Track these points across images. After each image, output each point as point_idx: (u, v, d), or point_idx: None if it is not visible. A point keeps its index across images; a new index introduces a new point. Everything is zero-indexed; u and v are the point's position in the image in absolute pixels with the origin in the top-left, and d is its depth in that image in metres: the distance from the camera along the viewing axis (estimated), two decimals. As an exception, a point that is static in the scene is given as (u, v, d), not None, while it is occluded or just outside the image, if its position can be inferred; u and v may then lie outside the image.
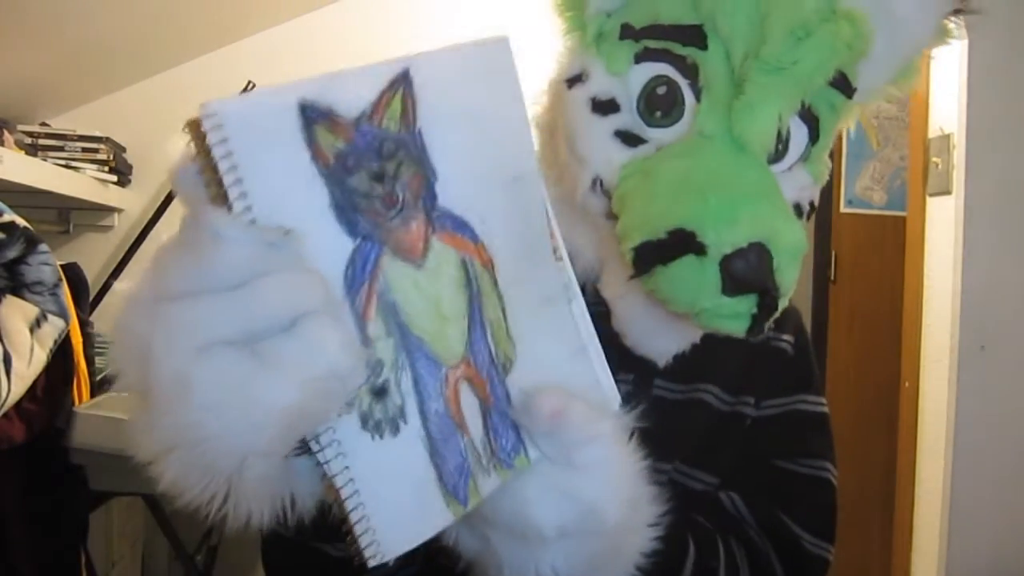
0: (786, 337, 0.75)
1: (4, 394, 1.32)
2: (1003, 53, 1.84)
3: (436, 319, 0.44)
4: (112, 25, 2.06)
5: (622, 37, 0.62)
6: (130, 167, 2.43)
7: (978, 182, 1.84)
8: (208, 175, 0.37)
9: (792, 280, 0.56)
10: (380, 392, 0.41)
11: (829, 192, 2.71)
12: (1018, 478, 1.84)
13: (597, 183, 0.62)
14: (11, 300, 1.40)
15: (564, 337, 0.53)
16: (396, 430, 0.42)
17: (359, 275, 0.40)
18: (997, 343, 1.84)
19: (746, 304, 0.54)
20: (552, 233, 0.52)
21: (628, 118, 0.61)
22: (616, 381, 0.70)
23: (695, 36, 0.59)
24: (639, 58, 0.61)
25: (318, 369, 0.36)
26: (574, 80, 0.63)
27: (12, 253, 1.43)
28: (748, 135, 0.56)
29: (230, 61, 2.47)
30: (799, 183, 0.62)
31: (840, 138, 2.67)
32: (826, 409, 0.74)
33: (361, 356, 0.39)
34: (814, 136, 0.61)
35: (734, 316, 0.55)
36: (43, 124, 2.29)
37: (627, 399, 0.68)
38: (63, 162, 2.12)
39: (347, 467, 0.40)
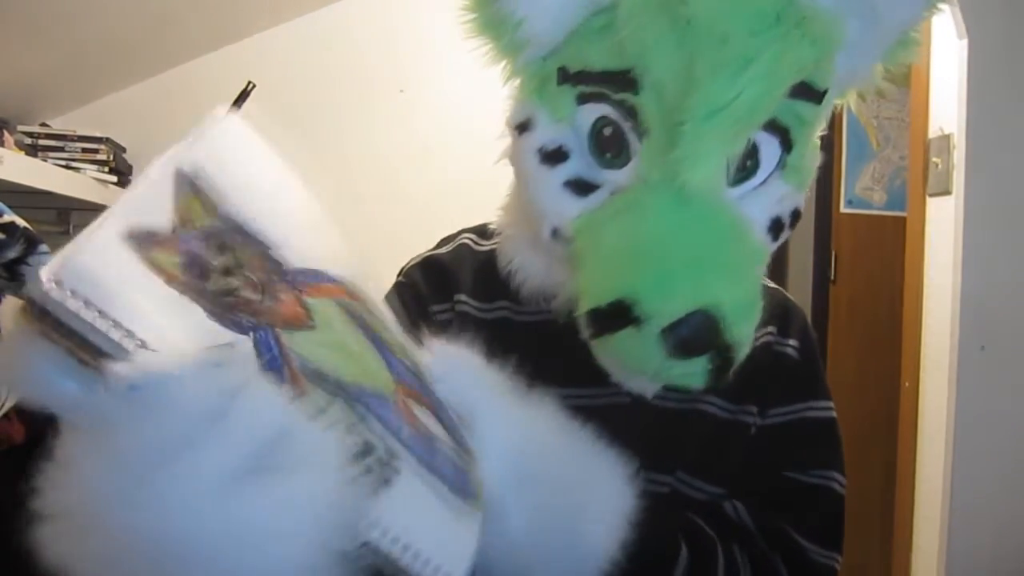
0: (791, 342, 0.74)
1: (4, 394, 1.32)
2: (1003, 53, 1.84)
3: (354, 362, 0.45)
4: (112, 25, 2.06)
5: (560, 82, 0.61)
6: (130, 167, 2.43)
7: (978, 182, 1.84)
8: (73, 348, 0.35)
9: (747, 333, 0.55)
10: (365, 451, 0.42)
11: (829, 192, 2.70)
12: (1018, 478, 1.83)
13: (556, 232, 0.62)
14: (11, 300, 1.40)
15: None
16: (397, 471, 0.43)
17: (274, 361, 0.41)
18: (997, 343, 1.84)
19: (699, 364, 0.54)
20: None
21: (579, 164, 0.60)
22: (615, 391, 0.70)
23: (625, 82, 0.57)
24: (581, 100, 0.60)
25: (333, 459, 0.38)
26: (522, 127, 0.63)
27: (12, 253, 1.43)
28: (692, 184, 0.55)
29: (230, 61, 2.47)
30: (776, 195, 0.61)
31: (840, 138, 2.68)
32: (833, 413, 0.74)
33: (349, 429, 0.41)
34: (787, 146, 0.60)
35: (688, 376, 0.55)
36: (43, 124, 2.29)
37: (626, 408, 0.68)
38: (63, 162, 2.12)
39: (384, 527, 0.41)
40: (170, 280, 0.39)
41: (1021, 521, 1.84)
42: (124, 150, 2.38)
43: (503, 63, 0.63)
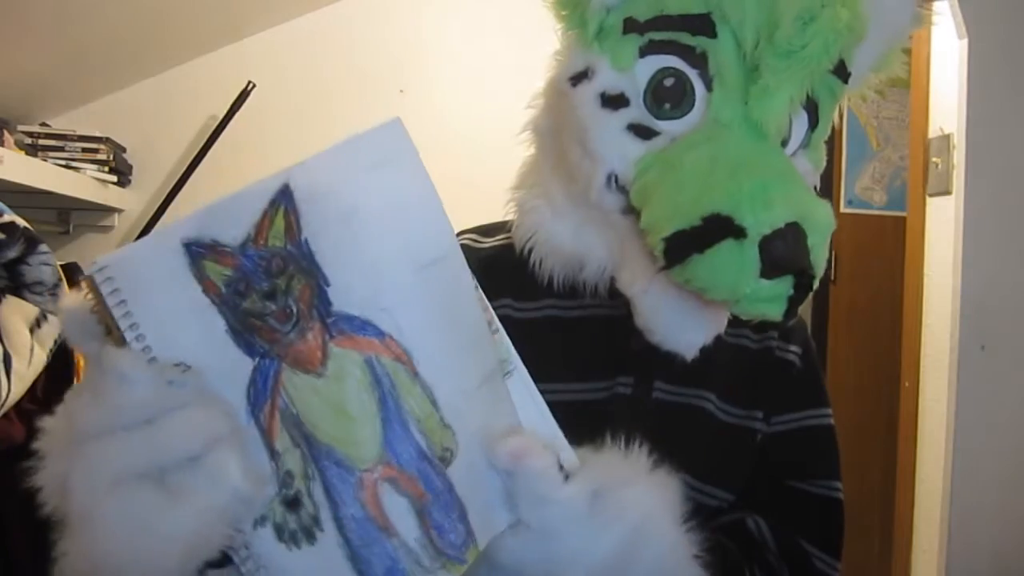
0: (794, 348, 0.74)
1: (4, 394, 1.32)
2: (1003, 53, 1.84)
3: (343, 424, 0.44)
4: (112, 25, 2.06)
5: (625, 31, 0.61)
6: (130, 167, 2.43)
7: (978, 182, 1.84)
8: (107, 322, 0.40)
9: (823, 259, 0.56)
10: (293, 503, 0.43)
11: (829, 192, 2.70)
12: (1018, 478, 1.83)
13: (612, 179, 0.61)
14: (11, 300, 1.40)
15: (502, 414, 0.51)
16: (312, 539, 0.43)
17: (261, 393, 0.42)
18: (997, 343, 1.84)
19: (783, 286, 0.54)
20: (485, 307, 0.51)
21: (639, 112, 0.61)
22: (616, 384, 0.69)
23: (704, 25, 0.59)
24: (644, 52, 0.60)
25: (221, 497, 0.40)
26: (578, 78, 0.63)
27: (12, 253, 1.43)
28: (765, 120, 0.57)
29: (230, 61, 2.47)
30: (801, 169, 0.62)
31: (840, 138, 2.67)
32: (832, 420, 0.74)
33: (264, 479, 0.42)
34: (814, 122, 0.62)
35: (772, 299, 0.55)
36: (43, 124, 2.29)
37: (627, 402, 0.68)
38: (63, 162, 2.12)
39: (255, 560, 0.42)
40: (207, 290, 0.41)
41: (1021, 521, 1.84)
42: (124, 150, 2.38)
43: (564, 12, 0.64)
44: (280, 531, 0.43)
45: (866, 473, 2.41)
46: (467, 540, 0.47)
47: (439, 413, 0.47)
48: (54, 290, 1.48)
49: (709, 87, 0.59)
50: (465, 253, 0.75)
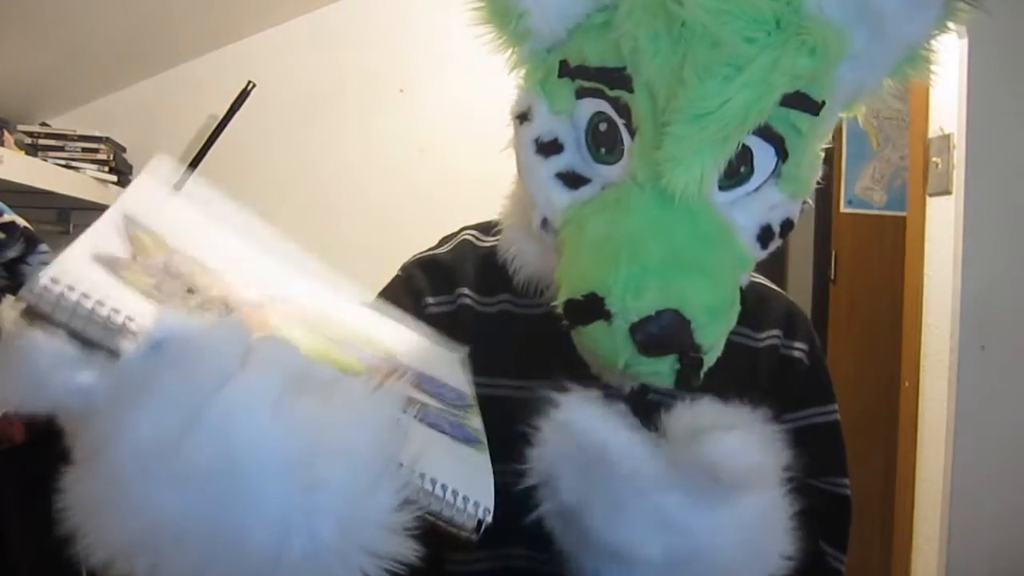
0: (799, 345, 0.74)
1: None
2: (1003, 53, 1.84)
3: (324, 356, 0.49)
4: (112, 25, 2.06)
5: (561, 75, 0.61)
6: (130, 167, 2.43)
7: (978, 182, 1.84)
8: (73, 336, 0.38)
9: (718, 335, 0.56)
10: None
11: (829, 192, 2.70)
12: (1018, 478, 1.83)
13: (546, 222, 0.63)
14: (11, 300, 1.39)
15: (385, 318, 0.61)
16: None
17: None
18: (997, 343, 1.84)
19: (665, 363, 0.54)
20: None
21: (573, 157, 0.61)
22: (611, 385, 0.69)
23: (620, 79, 0.58)
24: (580, 94, 0.60)
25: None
26: (522, 117, 0.64)
27: (12, 253, 1.43)
28: (674, 187, 0.55)
29: (230, 61, 2.47)
30: (768, 203, 0.61)
31: (840, 138, 2.67)
32: (838, 416, 0.75)
33: None
34: (782, 154, 0.59)
35: (654, 374, 0.56)
36: (43, 124, 2.29)
37: (624, 403, 0.68)
38: (63, 162, 2.12)
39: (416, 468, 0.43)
40: (147, 296, 0.42)
41: (1021, 520, 1.84)
42: (124, 150, 2.38)
43: (508, 52, 0.64)
44: None
45: (866, 473, 2.41)
46: (459, 393, 0.56)
47: (359, 332, 0.55)
48: (54, 290, 1.47)
49: (633, 138, 0.58)
50: (466, 250, 0.76)
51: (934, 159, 1.94)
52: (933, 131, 1.97)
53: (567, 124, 0.61)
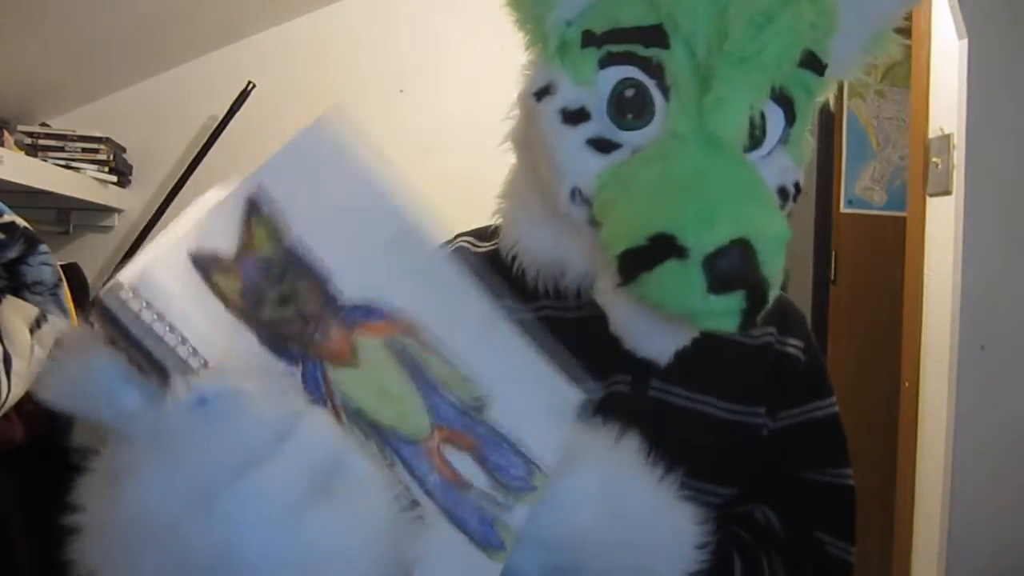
0: (795, 342, 0.75)
1: (4, 394, 1.32)
2: (1003, 53, 1.84)
3: (392, 405, 0.46)
4: (112, 25, 2.06)
5: (584, 45, 0.62)
6: (130, 167, 2.43)
7: (978, 182, 1.84)
8: (136, 355, 0.36)
9: (778, 270, 0.56)
10: (398, 494, 0.43)
11: (829, 192, 2.70)
12: (1018, 478, 1.83)
13: (576, 193, 0.62)
14: (11, 300, 1.39)
15: (510, 352, 0.54)
16: (420, 519, 0.44)
17: (318, 396, 0.42)
18: (997, 343, 1.84)
19: (735, 301, 0.54)
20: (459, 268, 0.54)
21: (600, 125, 0.61)
22: (612, 383, 0.70)
23: (656, 36, 0.59)
24: (604, 63, 0.61)
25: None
26: (542, 93, 0.64)
27: (12, 253, 1.43)
28: (721, 131, 0.56)
29: (230, 61, 2.47)
30: (780, 166, 0.63)
31: (840, 138, 2.67)
32: (836, 407, 0.75)
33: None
34: (790, 118, 0.61)
35: (724, 314, 0.55)
36: (43, 124, 2.29)
37: (624, 400, 0.68)
38: (63, 162, 2.12)
39: (421, 568, 0.42)
40: (229, 305, 0.40)
41: (1021, 520, 1.84)
42: (124, 150, 2.38)
43: (528, 26, 0.64)
44: None
45: (866, 473, 2.39)
46: (529, 469, 0.50)
47: (456, 368, 0.49)
48: (54, 290, 1.48)
49: (667, 97, 0.59)
50: (463, 256, 0.76)
51: (934, 159, 1.94)
52: (933, 131, 1.97)
53: (591, 94, 0.62)
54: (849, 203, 2.76)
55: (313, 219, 0.45)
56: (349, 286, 0.46)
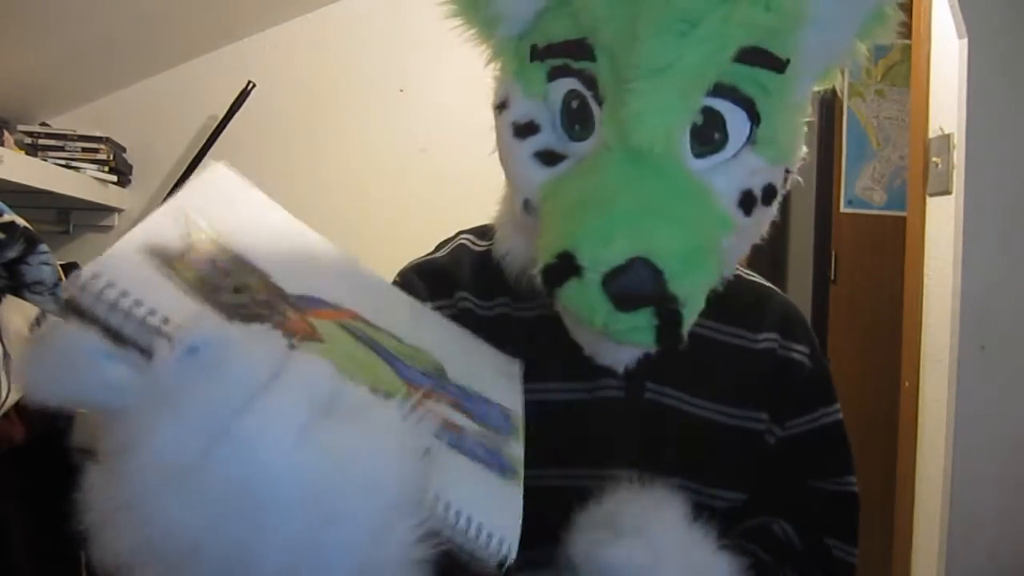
0: (799, 347, 0.74)
1: (4, 394, 1.32)
2: (1003, 53, 1.83)
3: (366, 371, 0.47)
4: (112, 25, 2.06)
5: (532, 59, 0.62)
6: (130, 167, 2.43)
7: (978, 182, 1.84)
8: (108, 334, 0.37)
9: (694, 286, 0.55)
10: None
11: (829, 192, 2.70)
12: (1018, 478, 1.83)
13: (527, 204, 0.63)
14: (11, 300, 1.40)
15: (445, 331, 0.60)
16: (430, 451, 0.44)
17: None
18: (997, 343, 1.84)
19: (643, 318, 0.54)
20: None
21: (551, 137, 0.62)
22: (599, 386, 0.70)
23: (582, 50, 0.59)
24: (551, 76, 0.61)
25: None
26: (501, 107, 0.65)
27: (12, 253, 1.43)
28: (641, 144, 0.55)
29: (230, 61, 2.47)
30: (748, 168, 0.60)
31: (840, 138, 2.67)
32: (841, 415, 0.75)
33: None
34: (754, 118, 0.59)
35: (635, 330, 0.54)
36: (43, 124, 2.29)
37: (620, 403, 0.68)
38: (63, 162, 2.12)
39: (441, 499, 0.43)
40: (190, 290, 0.41)
41: (1021, 521, 1.84)
42: (124, 150, 2.38)
43: (483, 45, 0.65)
44: None
45: (866, 473, 2.39)
46: (505, 414, 0.53)
47: (408, 344, 0.53)
48: (54, 290, 1.48)
49: (601, 107, 0.59)
50: (463, 254, 0.76)
51: (934, 159, 1.94)
52: (933, 131, 1.97)
53: (542, 106, 0.62)
54: (849, 203, 2.76)
55: (239, 232, 0.49)
56: (288, 285, 0.48)
